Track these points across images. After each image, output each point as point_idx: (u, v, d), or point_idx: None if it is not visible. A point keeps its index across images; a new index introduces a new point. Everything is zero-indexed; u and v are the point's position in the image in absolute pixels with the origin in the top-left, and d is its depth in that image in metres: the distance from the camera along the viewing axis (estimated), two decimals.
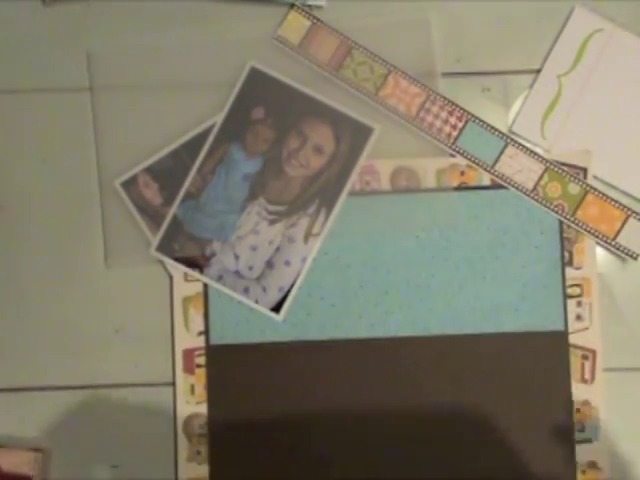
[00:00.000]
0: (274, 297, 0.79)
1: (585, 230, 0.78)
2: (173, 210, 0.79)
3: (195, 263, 0.79)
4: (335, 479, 0.78)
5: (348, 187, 0.79)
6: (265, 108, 0.80)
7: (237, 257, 0.79)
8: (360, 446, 0.78)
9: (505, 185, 0.79)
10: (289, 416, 0.78)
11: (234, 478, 0.78)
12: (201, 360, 0.79)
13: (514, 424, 0.78)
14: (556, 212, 0.79)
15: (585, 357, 0.78)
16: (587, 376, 0.78)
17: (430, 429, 0.78)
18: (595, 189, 0.79)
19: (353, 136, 0.79)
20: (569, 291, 0.79)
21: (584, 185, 0.79)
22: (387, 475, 0.78)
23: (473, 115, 0.80)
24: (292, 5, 0.80)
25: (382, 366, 0.78)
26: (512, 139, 0.80)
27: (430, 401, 0.78)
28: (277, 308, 0.79)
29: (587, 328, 0.78)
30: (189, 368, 0.79)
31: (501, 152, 0.79)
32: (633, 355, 0.79)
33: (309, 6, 0.80)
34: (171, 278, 0.80)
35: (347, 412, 0.78)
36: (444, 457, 0.78)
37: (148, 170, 0.80)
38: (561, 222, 0.79)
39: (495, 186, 0.79)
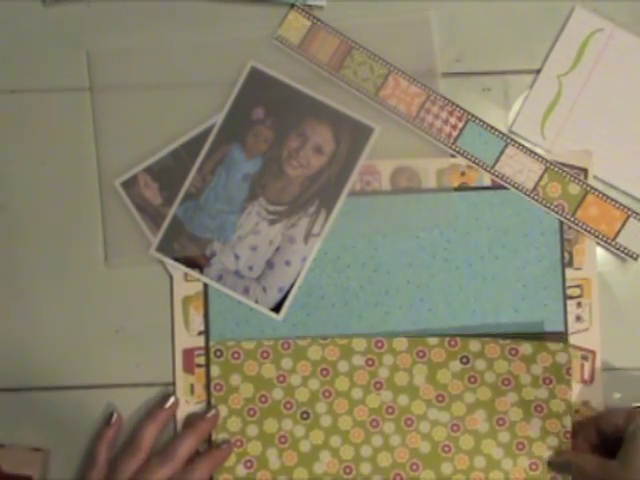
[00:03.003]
0: (274, 297, 0.79)
1: (585, 230, 0.78)
2: (173, 210, 0.79)
3: (195, 263, 0.79)
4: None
5: (348, 187, 0.79)
6: (265, 108, 0.80)
7: (237, 257, 0.79)
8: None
9: (505, 185, 0.79)
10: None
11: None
12: (201, 360, 0.79)
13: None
14: (556, 212, 0.79)
15: (585, 358, 0.78)
16: (587, 377, 0.78)
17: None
18: (595, 189, 0.79)
19: (353, 136, 0.79)
20: (569, 292, 0.79)
21: (584, 185, 0.79)
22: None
23: (473, 115, 0.80)
24: (292, 5, 0.80)
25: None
26: (512, 139, 0.80)
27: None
28: (277, 308, 0.79)
29: (587, 329, 0.78)
30: (189, 368, 0.79)
31: (501, 152, 0.79)
32: (633, 355, 0.79)
33: (309, 6, 0.80)
34: (171, 278, 0.80)
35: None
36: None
37: (148, 170, 0.80)
38: (561, 223, 0.79)
39: (495, 186, 0.79)
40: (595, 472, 0.72)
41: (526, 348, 0.78)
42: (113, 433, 0.77)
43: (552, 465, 0.77)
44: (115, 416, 0.77)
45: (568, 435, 0.77)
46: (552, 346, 0.78)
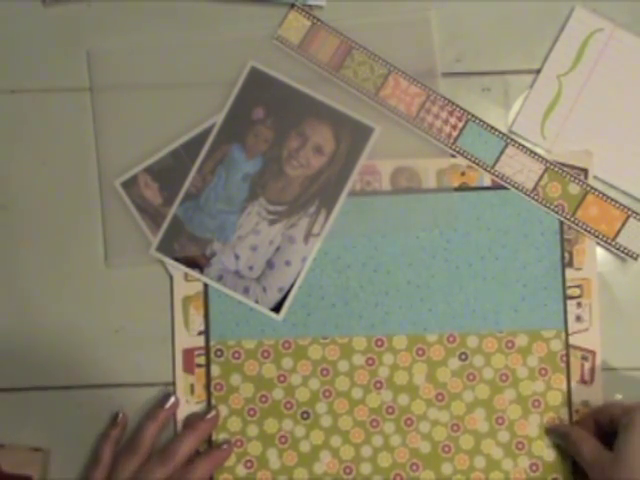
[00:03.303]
0: (274, 297, 0.79)
1: (585, 230, 0.79)
2: (173, 210, 0.79)
3: (195, 263, 0.79)
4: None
5: (348, 187, 0.79)
6: (265, 108, 0.80)
7: (237, 257, 0.79)
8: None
9: (505, 185, 0.79)
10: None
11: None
12: (201, 360, 0.79)
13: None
14: (556, 212, 0.79)
15: (585, 358, 0.78)
16: (586, 377, 0.78)
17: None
18: (595, 189, 0.79)
19: (353, 136, 0.79)
20: (569, 292, 0.79)
21: (584, 185, 0.79)
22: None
23: (473, 115, 0.80)
24: (292, 5, 0.80)
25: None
26: (512, 139, 0.80)
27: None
28: (277, 308, 0.79)
29: (587, 329, 0.78)
30: (189, 368, 0.79)
31: (501, 152, 0.79)
32: (633, 355, 0.79)
33: (309, 6, 0.80)
34: (171, 278, 0.80)
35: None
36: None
37: (148, 170, 0.80)
38: (561, 223, 0.79)
39: (495, 187, 0.79)
40: (588, 455, 0.72)
41: (522, 339, 0.78)
42: (118, 433, 0.77)
43: (551, 431, 0.77)
44: (121, 416, 0.77)
45: None
46: (546, 333, 0.78)
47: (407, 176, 0.79)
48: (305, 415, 0.78)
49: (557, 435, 0.77)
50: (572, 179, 0.79)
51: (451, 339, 0.78)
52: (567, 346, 0.78)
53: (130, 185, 0.80)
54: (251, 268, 0.79)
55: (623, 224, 0.79)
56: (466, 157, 0.79)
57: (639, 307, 0.80)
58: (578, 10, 0.80)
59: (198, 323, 0.79)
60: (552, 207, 0.79)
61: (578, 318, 0.79)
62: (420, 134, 0.80)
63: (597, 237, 0.79)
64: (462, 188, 0.80)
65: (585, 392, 0.78)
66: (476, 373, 0.78)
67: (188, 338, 0.79)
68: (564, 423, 0.78)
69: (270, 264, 0.79)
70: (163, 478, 0.73)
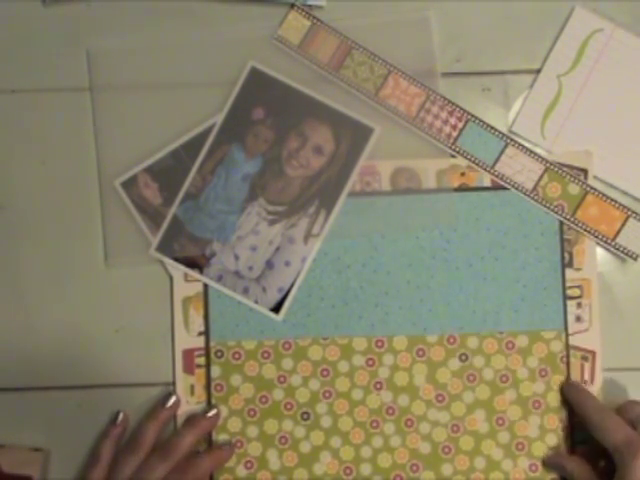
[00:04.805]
0: (274, 297, 0.79)
1: (585, 230, 0.79)
2: (173, 210, 0.79)
3: (195, 263, 0.79)
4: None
5: (348, 187, 0.79)
6: (265, 108, 0.80)
7: (237, 257, 0.79)
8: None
9: (505, 185, 0.79)
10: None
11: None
12: (201, 360, 0.79)
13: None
14: (556, 212, 0.79)
15: (585, 358, 0.78)
16: (587, 377, 0.78)
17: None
18: (595, 189, 0.79)
19: (353, 136, 0.79)
20: (569, 292, 0.79)
21: (584, 185, 0.79)
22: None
23: (473, 115, 0.80)
24: (292, 5, 0.80)
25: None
26: (512, 139, 0.80)
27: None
28: (277, 308, 0.79)
29: (587, 329, 0.78)
30: (189, 368, 0.79)
31: (501, 152, 0.79)
32: (633, 355, 0.79)
33: (309, 6, 0.80)
34: (171, 278, 0.80)
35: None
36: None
37: (148, 170, 0.80)
38: (561, 223, 0.79)
39: (495, 187, 0.79)
40: None
41: (522, 340, 0.78)
42: (119, 432, 0.77)
43: (547, 464, 0.77)
44: (121, 416, 0.77)
45: (566, 430, 0.77)
46: (546, 334, 0.78)
47: (407, 176, 0.79)
48: (305, 416, 0.78)
49: (554, 467, 0.77)
50: (572, 179, 0.79)
51: (451, 340, 0.78)
52: (567, 347, 0.78)
53: (130, 185, 0.80)
54: (251, 268, 0.79)
55: (623, 224, 0.79)
56: (466, 157, 0.79)
57: (639, 307, 0.80)
58: (578, 10, 0.80)
59: (198, 324, 0.79)
60: (552, 207, 0.79)
61: (578, 318, 0.79)
62: (420, 134, 0.80)
63: (597, 237, 0.79)
64: (462, 188, 0.80)
65: None
66: (476, 374, 0.78)
67: (188, 339, 0.79)
68: (558, 454, 0.77)
69: (270, 264, 0.79)
70: (163, 474, 0.73)
